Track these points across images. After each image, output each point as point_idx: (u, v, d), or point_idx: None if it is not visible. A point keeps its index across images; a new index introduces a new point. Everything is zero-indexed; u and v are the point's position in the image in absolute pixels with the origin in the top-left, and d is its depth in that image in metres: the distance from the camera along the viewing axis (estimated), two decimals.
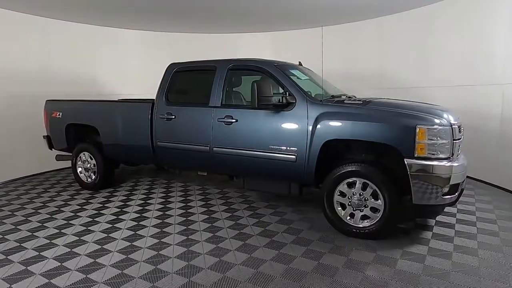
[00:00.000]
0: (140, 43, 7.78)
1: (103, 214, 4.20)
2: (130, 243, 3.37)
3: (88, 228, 3.79)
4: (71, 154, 5.74)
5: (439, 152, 3.06)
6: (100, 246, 3.33)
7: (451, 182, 3.05)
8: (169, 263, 2.99)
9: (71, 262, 3.02)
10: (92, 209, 4.40)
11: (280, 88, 3.85)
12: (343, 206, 3.45)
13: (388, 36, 6.68)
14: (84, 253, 3.19)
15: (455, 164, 3.07)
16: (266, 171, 3.86)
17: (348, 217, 3.42)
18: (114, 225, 3.83)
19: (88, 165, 5.26)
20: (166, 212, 4.21)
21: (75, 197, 4.97)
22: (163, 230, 3.68)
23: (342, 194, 3.43)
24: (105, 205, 4.57)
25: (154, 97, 4.57)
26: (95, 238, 3.51)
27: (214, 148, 4.07)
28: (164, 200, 4.70)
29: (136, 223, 3.91)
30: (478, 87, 5.16)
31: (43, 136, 5.76)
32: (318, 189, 4.08)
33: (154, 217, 4.06)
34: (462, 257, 2.98)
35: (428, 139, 3.04)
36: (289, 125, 3.62)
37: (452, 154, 3.13)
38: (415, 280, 2.65)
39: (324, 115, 3.42)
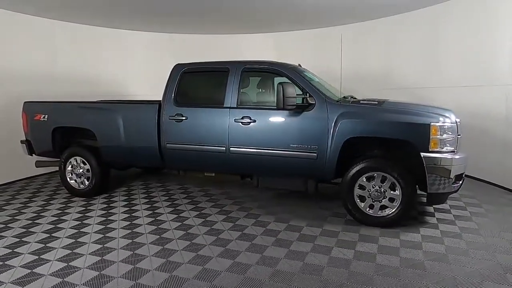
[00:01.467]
0: (142, 44, 7.90)
1: (112, 229, 3.84)
2: (164, 259, 3.10)
3: (106, 237, 3.62)
4: (55, 159, 5.38)
5: (448, 146, 3.49)
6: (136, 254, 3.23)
7: (458, 172, 3.50)
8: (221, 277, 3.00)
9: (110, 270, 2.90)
10: (98, 216, 4.18)
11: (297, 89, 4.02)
12: (362, 199, 3.75)
13: (394, 37, 6.72)
14: (119, 260, 3.08)
15: (461, 156, 3.52)
16: (285, 169, 4.01)
17: (368, 208, 3.72)
18: (134, 241, 3.56)
19: (81, 170, 4.95)
20: (184, 222, 4.15)
21: (70, 205, 4.66)
22: (193, 242, 3.44)
23: (362, 187, 3.73)
24: (110, 211, 4.36)
25: (148, 98, 4.45)
26: (123, 245, 3.39)
27: (231, 148, 4.13)
28: (170, 206, 4.62)
29: (157, 235, 3.82)
30: (484, 88, 5.19)
31: (21, 141, 5.30)
32: (331, 185, 4.38)
33: (168, 227, 3.99)
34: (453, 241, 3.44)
35: (439, 134, 3.45)
36: (310, 125, 3.81)
37: (456, 148, 3.58)
38: (420, 265, 3.01)
39: (345, 115, 3.69)
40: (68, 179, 5.02)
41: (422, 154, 3.44)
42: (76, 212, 4.35)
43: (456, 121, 3.60)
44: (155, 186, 5.49)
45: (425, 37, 6.19)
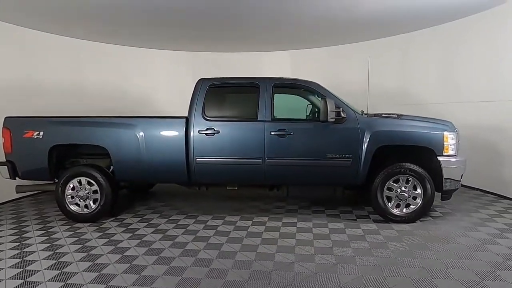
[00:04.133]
0: (165, 62, 8.22)
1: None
2: None
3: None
4: (40, 183, 4.76)
5: (453, 151, 4.26)
6: None
7: (463, 172, 4.29)
8: None
9: None
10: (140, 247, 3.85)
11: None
12: (389, 199, 4.27)
13: (411, 53, 6.81)
14: None
15: (464, 159, 4.31)
16: (320, 177, 4.33)
17: (394, 208, 4.25)
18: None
19: (86, 192, 4.45)
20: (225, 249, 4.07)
21: (78, 231, 4.14)
22: (253, 270, 3.43)
23: (389, 189, 4.25)
24: (136, 233, 4.03)
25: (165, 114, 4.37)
26: None
27: (267, 160, 4.28)
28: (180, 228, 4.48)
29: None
30: (503, 103, 5.30)
31: (1, 163, 4.54)
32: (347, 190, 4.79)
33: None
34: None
35: (450, 141, 4.21)
36: (344, 136, 4.23)
37: (457, 152, 4.38)
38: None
39: (376, 126, 4.21)
40: (68, 203, 4.46)
41: (439, 157, 4.14)
42: (99, 239, 3.91)
43: (456, 130, 4.43)
44: (158, 206, 5.20)
45: (443, 53, 6.31)
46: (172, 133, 4.38)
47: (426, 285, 2.76)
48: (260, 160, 4.29)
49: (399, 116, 4.43)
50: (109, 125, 4.43)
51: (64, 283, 2.87)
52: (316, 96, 4.50)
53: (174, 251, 3.51)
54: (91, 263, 3.26)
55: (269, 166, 4.29)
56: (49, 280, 2.92)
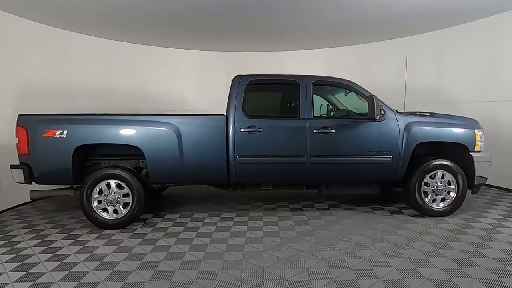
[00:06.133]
0: (193, 62, 8.12)
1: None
2: None
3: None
4: (56, 188, 4.35)
5: (482, 147, 4.51)
6: None
7: (490, 167, 4.54)
8: None
9: None
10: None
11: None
12: (425, 194, 4.40)
13: (447, 49, 6.56)
14: None
15: (490, 154, 4.56)
16: (361, 174, 4.36)
17: (431, 202, 4.40)
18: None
19: (116, 196, 4.10)
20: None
21: (113, 238, 3.80)
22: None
23: (426, 184, 4.39)
24: (202, 239, 3.78)
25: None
26: None
27: (311, 158, 4.23)
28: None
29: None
30: None
31: (13, 166, 4.06)
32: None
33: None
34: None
35: (479, 138, 4.44)
36: (385, 133, 4.30)
37: (483, 149, 4.63)
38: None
39: (415, 124, 4.33)
40: (95, 208, 4.08)
41: (472, 153, 4.36)
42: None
43: (482, 128, 4.68)
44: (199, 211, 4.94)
45: (483, 49, 6.03)
46: (212, 131, 4.18)
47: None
48: (304, 158, 4.23)
49: (432, 115, 4.60)
50: (145, 123, 4.11)
51: None
52: (357, 95, 4.50)
53: (213, 263, 3.34)
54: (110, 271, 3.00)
55: (312, 164, 4.25)
56: None
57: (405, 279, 2.79)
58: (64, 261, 3.24)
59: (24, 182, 4.05)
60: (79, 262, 3.20)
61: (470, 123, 4.51)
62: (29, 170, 4.03)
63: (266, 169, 4.26)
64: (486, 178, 4.50)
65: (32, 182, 4.10)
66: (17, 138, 4.02)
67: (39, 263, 3.21)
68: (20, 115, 4.06)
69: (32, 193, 4.24)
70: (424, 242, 3.56)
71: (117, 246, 3.60)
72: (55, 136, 3.99)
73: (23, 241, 3.81)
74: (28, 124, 4.00)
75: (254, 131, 4.18)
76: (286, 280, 2.78)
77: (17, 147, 4.04)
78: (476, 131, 4.43)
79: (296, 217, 4.45)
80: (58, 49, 6.07)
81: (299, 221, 4.31)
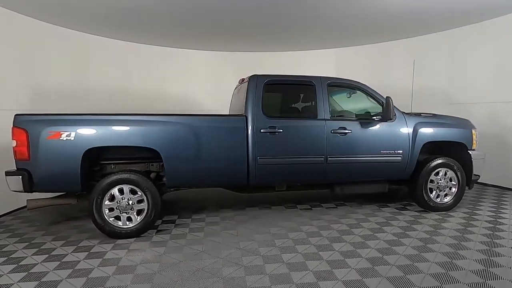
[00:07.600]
0: (204, 62, 8.11)
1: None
2: None
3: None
4: (56, 196, 3.99)
5: (477, 146, 4.89)
6: None
7: (484, 164, 4.93)
8: None
9: None
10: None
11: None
12: (430, 190, 4.66)
13: (458, 50, 6.49)
14: None
15: (484, 153, 4.95)
16: (374, 173, 4.49)
17: (436, 198, 4.67)
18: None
19: (130, 202, 3.81)
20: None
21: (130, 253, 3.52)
22: None
23: (431, 181, 4.64)
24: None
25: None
26: None
27: (329, 158, 4.27)
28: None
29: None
30: None
31: (8, 172, 3.61)
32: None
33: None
34: None
35: (475, 137, 4.81)
36: (396, 133, 4.48)
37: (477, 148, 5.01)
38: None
39: (420, 124, 4.56)
40: (106, 216, 3.75)
41: (470, 151, 4.70)
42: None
43: (476, 128, 5.06)
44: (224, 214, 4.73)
45: (495, 50, 5.98)
46: (232, 132, 4.05)
47: None
48: (323, 158, 4.26)
49: (435, 115, 4.88)
50: (163, 124, 3.85)
51: None
52: (367, 96, 4.60)
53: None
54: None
55: (330, 165, 4.30)
56: None
57: (448, 272, 2.92)
58: (89, 276, 2.93)
59: (22, 190, 3.60)
60: (110, 276, 2.92)
61: (468, 124, 4.87)
62: (29, 176, 3.59)
63: (286, 171, 4.22)
64: (479, 176, 4.88)
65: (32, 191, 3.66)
66: (15, 141, 3.57)
67: (61, 280, 2.87)
68: (16, 115, 3.61)
69: (30, 202, 3.80)
70: (445, 236, 3.76)
71: (142, 255, 3.34)
72: (61, 138, 3.60)
73: (27, 256, 3.38)
74: (28, 125, 3.57)
75: (275, 132, 4.13)
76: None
77: (13, 151, 3.59)
78: (473, 130, 4.79)
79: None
80: (77, 51, 6.20)
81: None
